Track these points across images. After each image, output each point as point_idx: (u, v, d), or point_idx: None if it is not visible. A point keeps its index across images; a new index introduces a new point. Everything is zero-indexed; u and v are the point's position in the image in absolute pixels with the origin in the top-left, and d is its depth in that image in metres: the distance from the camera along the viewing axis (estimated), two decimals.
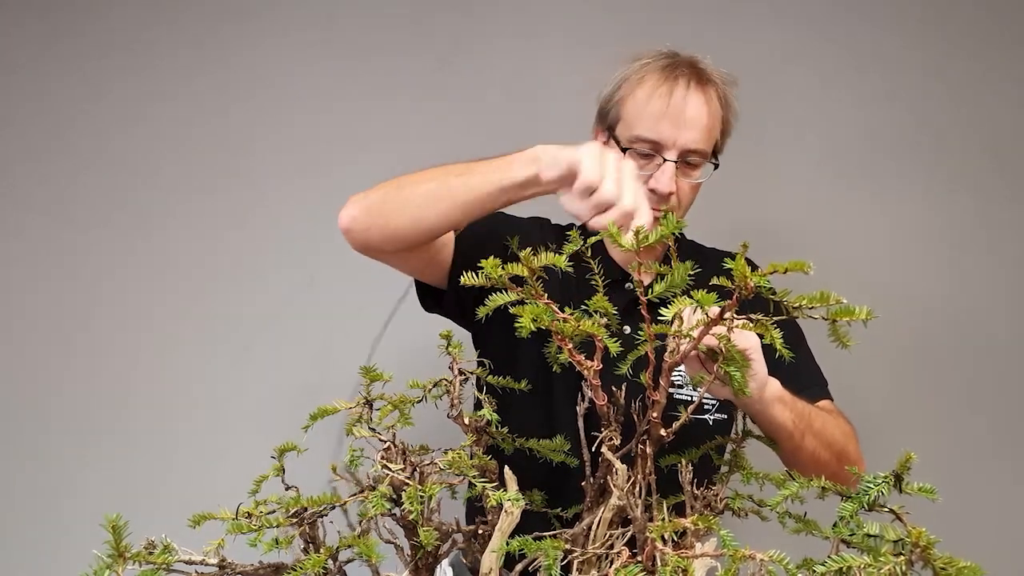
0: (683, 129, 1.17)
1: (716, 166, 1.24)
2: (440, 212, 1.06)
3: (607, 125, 1.26)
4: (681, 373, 1.13)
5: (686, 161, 1.20)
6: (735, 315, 0.79)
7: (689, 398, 1.19)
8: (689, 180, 1.21)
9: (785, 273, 0.76)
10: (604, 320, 0.86)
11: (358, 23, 1.80)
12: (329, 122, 1.79)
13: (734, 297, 0.76)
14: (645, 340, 0.83)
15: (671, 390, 1.17)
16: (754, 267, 0.76)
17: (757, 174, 1.78)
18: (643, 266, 0.84)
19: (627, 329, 1.11)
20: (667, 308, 0.80)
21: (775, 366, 0.98)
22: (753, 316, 0.81)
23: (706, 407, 1.23)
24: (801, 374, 1.17)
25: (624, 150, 1.20)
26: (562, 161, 0.98)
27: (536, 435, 1.04)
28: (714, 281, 0.77)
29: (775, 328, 0.80)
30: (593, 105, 1.29)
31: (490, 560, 0.84)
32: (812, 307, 0.75)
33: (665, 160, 1.18)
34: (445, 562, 0.88)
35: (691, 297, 0.77)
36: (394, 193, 1.09)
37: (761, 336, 0.82)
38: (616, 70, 1.26)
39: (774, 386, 1.00)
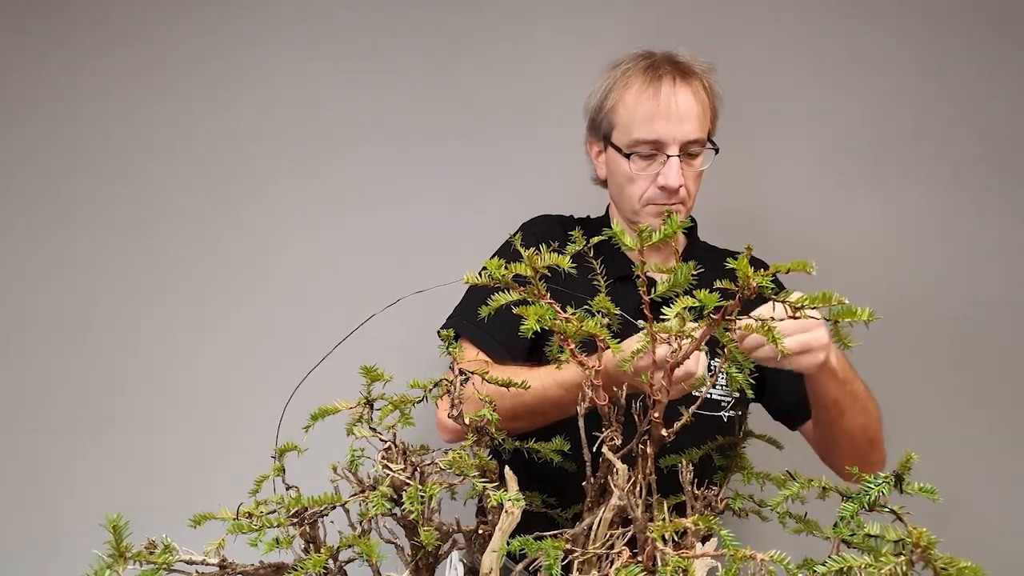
0: (678, 123, 1.21)
1: (716, 151, 1.27)
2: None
3: (601, 135, 1.29)
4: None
5: (688, 152, 1.24)
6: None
7: (709, 395, 1.20)
8: (693, 169, 1.26)
9: (787, 273, 0.76)
10: (606, 320, 0.86)
11: (358, 22, 1.80)
12: (330, 121, 1.79)
13: (737, 297, 0.77)
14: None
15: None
16: (764, 267, 0.76)
17: (758, 173, 1.78)
18: (654, 265, 0.87)
19: (641, 323, 1.13)
20: (669, 308, 0.80)
21: (794, 379, 1.03)
22: (754, 316, 0.82)
23: (722, 404, 1.23)
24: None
25: (627, 155, 1.23)
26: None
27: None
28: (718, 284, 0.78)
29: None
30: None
31: (490, 560, 0.84)
32: (814, 307, 0.75)
33: (668, 156, 1.21)
34: (455, 554, 0.88)
35: (693, 296, 0.77)
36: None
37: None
38: (596, 80, 1.29)
39: (831, 357, 1.02)
